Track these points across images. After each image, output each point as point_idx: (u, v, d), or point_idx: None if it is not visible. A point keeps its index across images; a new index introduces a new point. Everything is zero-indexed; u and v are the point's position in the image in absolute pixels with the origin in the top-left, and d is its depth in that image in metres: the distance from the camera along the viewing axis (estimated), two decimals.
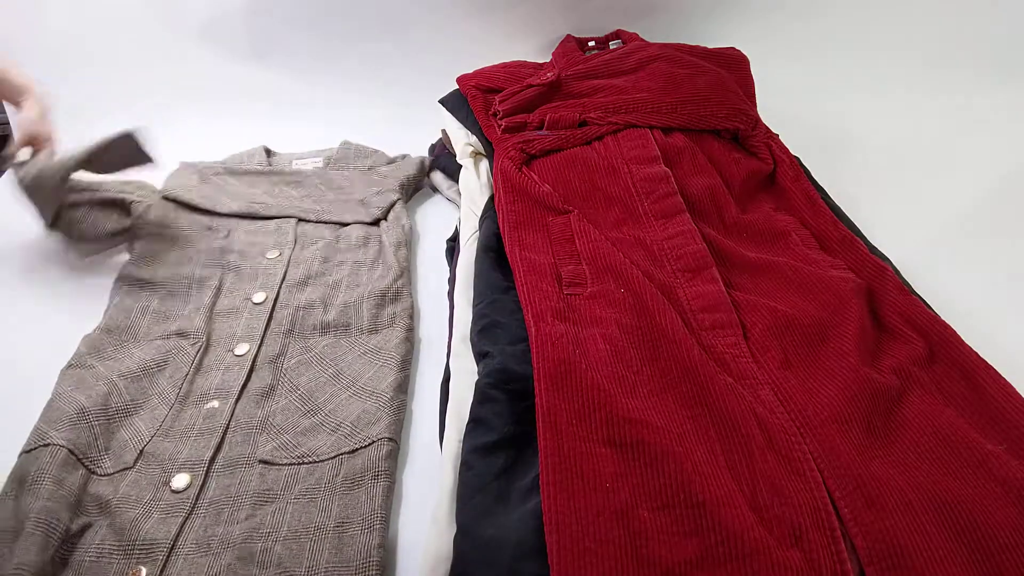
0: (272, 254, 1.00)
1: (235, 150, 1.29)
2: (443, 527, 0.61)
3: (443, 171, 1.17)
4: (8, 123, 1.51)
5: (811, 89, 1.42)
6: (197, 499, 0.70)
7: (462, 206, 1.02)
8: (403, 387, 0.82)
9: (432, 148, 1.24)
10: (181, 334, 0.87)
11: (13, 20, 1.45)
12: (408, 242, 1.07)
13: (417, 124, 1.30)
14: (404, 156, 1.26)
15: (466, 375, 0.75)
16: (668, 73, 1.07)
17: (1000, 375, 0.72)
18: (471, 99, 1.12)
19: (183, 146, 1.25)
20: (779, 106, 1.31)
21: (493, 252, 0.91)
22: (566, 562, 0.57)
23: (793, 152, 1.13)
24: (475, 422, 0.68)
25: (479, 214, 0.99)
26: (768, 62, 1.35)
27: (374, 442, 0.73)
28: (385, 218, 1.10)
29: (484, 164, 1.07)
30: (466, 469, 0.64)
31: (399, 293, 0.94)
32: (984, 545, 0.59)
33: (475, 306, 0.83)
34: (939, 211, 1.14)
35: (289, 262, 0.99)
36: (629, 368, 0.73)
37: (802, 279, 0.84)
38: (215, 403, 0.79)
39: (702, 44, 1.19)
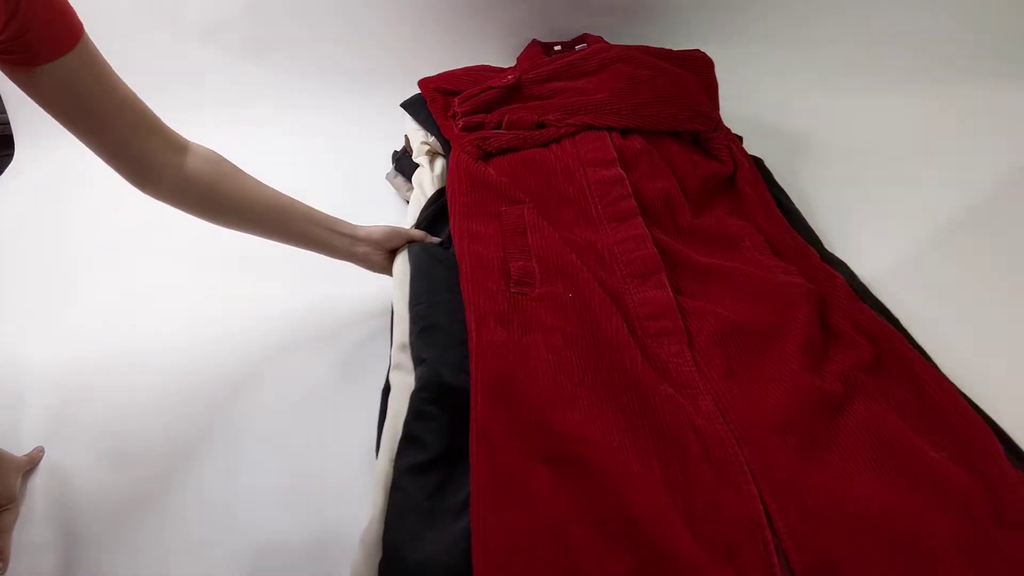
0: None
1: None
2: (371, 551, 0.60)
3: (403, 174, 1.15)
4: (8, 123, 1.51)
5: (781, 91, 1.41)
6: None
7: (412, 199, 1.01)
8: None
9: (395, 154, 1.22)
10: None
11: None
12: None
13: (382, 129, 1.29)
14: None
15: (405, 390, 0.73)
16: (629, 75, 1.05)
17: (945, 379, 0.71)
18: (430, 101, 1.11)
19: None
20: (747, 108, 1.31)
21: (432, 245, 0.90)
22: None
23: (759, 154, 1.12)
24: (408, 440, 0.66)
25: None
26: (738, 64, 1.35)
27: None
28: None
29: (440, 161, 1.06)
30: (396, 490, 0.63)
31: None
32: (921, 555, 0.58)
33: (413, 307, 0.81)
34: (904, 213, 1.13)
35: None
36: (570, 379, 0.72)
37: (752, 284, 0.83)
38: None
39: (670, 47, 1.19)
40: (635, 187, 0.94)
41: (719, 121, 1.08)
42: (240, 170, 0.79)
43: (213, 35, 1.48)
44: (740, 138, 1.15)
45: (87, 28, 0.62)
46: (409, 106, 1.16)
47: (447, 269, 0.85)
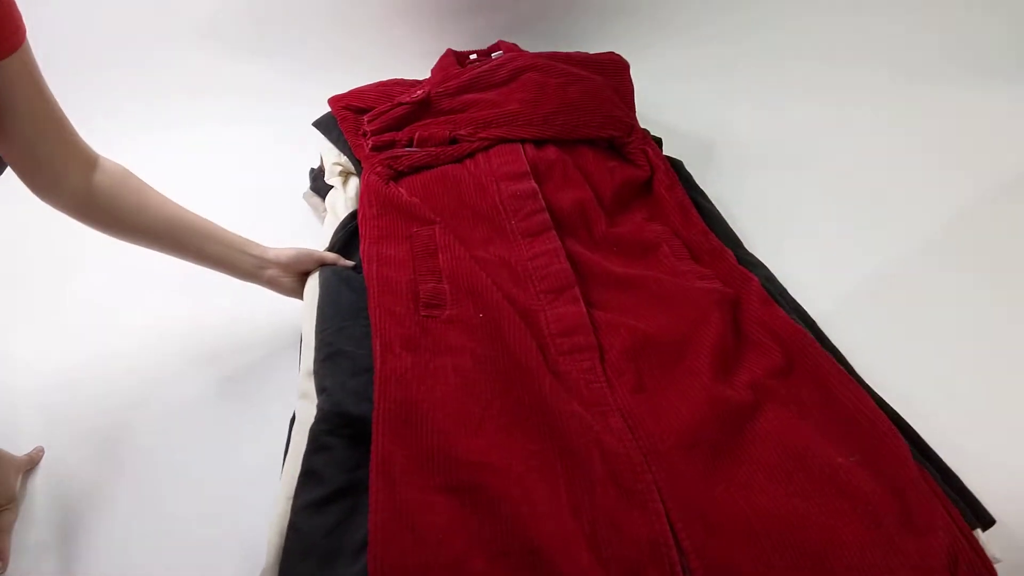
0: None
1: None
2: None
3: (319, 194, 1.12)
4: None
5: (704, 93, 1.41)
6: None
7: (325, 222, 0.98)
8: None
9: (312, 171, 1.19)
10: None
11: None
12: None
13: (314, 142, 1.26)
14: None
15: (308, 421, 0.70)
16: (539, 83, 1.04)
17: (854, 382, 0.71)
18: (340, 120, 1.08)
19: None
20: (669, 110, 1.31)
21: (341, 267, 0.88)
22: None
23: (681, 156, 1.11)
24: (307, 475, 0.64)
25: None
26: (660, 66, 1.35)
27: None
28: None
29: (353, 182, 1.03)
30: (292, 531, 0.60)
31: None
32: (828, 567, 0.57)
33: (319, 332, 0.78)
34: (823, 213, 1.14)
35: None
36: (478, 402, 0.70)
37: (666, 293, 0.82)
38: None
39: (591, 49, 1.18)
40: (549, 199, 0.93)
41: (634, 125, 1.07)
42: (147, 186, 0.77)
43: (132, 50, 1.46)
44: (660, 140, 1.14)
45: None
46: (321, 124, 1.13)
47: (356, 293, 0.83)
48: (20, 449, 0.86)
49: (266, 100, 1.45)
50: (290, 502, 0.62)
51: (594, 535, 0.59)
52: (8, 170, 1.22)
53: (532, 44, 1.27)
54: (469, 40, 1.36)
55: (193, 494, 0.82)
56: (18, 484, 0.82)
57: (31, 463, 0.85)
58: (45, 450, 0.88)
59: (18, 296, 1.12)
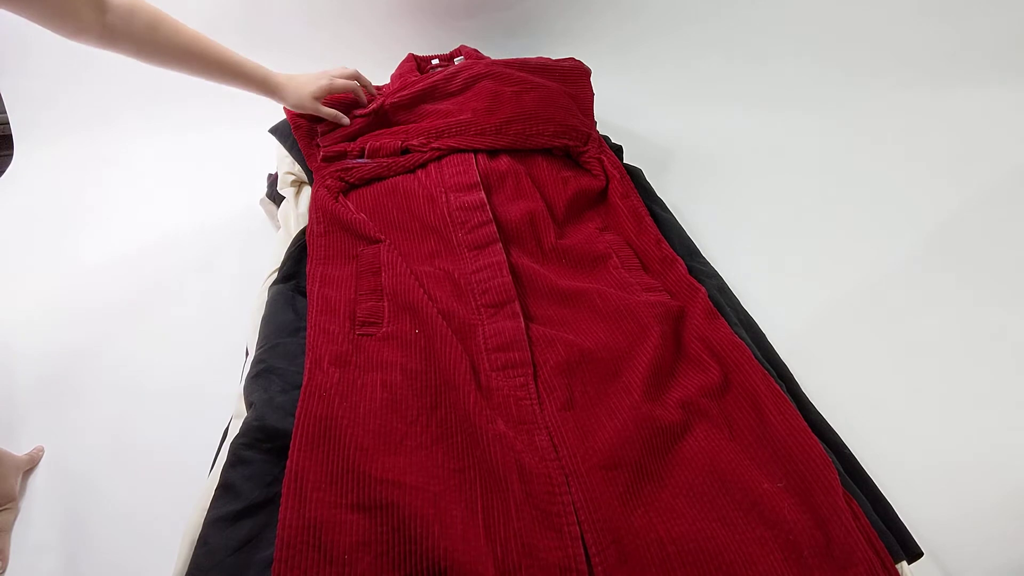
0: None
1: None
2: None
3: (275, 200, 1.11)
4: (8, 123, 1.50)
5: (666, 102, 1.39)
6: None
7: (277, 236, 0.97)
8: None
9: (269, 177, 1.18)
10: None
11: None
12: None
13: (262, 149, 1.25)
14: None
15: None
16: (493, 92, 1.02)
17: (787, 403, 0.69)
18: (295, 128, 1.06)
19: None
20: (632, 118, 1.29)
21: (291, 286, 0.86)
22: None
23: (641, 164, 1.09)
24: (223, 488, 0.63)
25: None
26: (626, 75, 1.32)
27: None
28: None
29: (305, 195, 1.02)
30: (200, 545, 0.59)
31: None
32: None
33: (257, 349, 0.77)
34: (783, 220, 1.12)
35: None
36: (404, 418, 0.68)
37: (609, 306, 0.80)
38: None
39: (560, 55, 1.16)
40: (499, 210, 0.91)
41: (591, 134, 1.05)
42: (160, 11, 0.83)
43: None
44: (620, 148, 1.12)
45: None
46: (277, 131, 1.11)
47: (297, 314, 0.82)
48: (20, 449, 0.87)
49: (230, 103, 1.44)
50: (203, 514, 0.61)
51: (505, 559, 0.58)
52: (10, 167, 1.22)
53: (502, 48, 1.26)
54: (433, 44, 1.34)
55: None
56: (18, 484, 0.83)
57: (31, 463, 0.86)
58: (45, 450, 0.88)
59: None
